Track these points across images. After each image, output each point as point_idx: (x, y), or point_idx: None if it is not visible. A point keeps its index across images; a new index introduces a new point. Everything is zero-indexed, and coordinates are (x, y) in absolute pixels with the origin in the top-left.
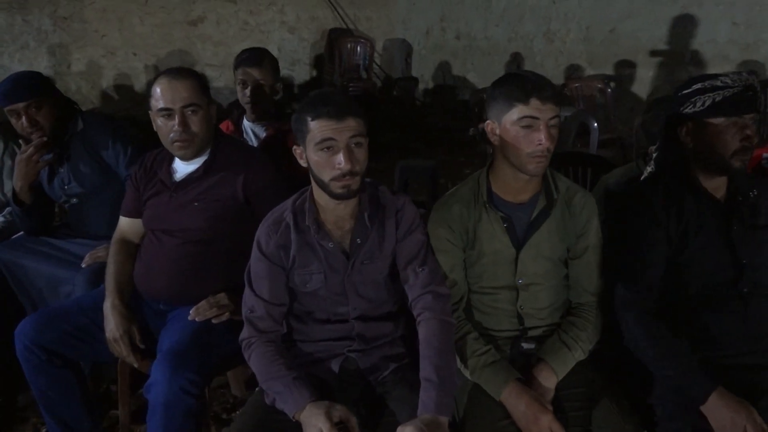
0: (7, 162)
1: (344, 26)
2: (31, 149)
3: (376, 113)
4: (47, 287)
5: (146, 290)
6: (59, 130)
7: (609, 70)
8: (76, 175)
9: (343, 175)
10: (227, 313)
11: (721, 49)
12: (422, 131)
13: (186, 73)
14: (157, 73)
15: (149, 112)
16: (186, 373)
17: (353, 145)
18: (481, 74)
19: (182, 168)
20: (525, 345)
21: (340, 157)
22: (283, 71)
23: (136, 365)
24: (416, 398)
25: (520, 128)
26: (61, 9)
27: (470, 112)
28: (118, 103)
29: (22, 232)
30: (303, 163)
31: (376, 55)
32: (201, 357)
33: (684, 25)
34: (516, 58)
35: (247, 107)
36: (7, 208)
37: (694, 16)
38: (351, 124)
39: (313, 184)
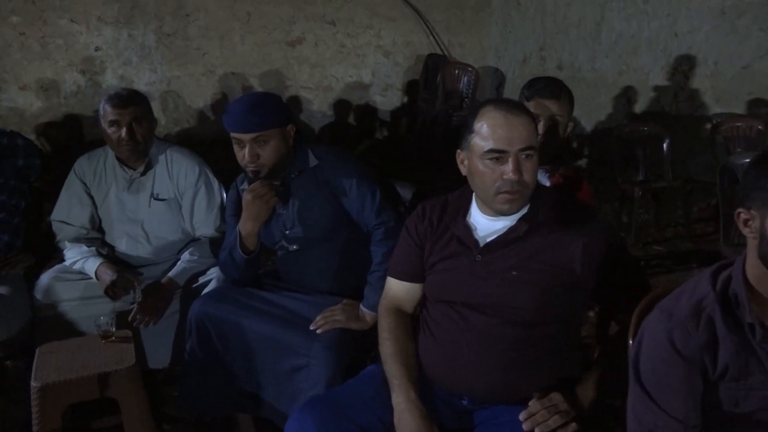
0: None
1: (439, 52)
2: (264, 187)
3: None
4: (270, 355)
5: (444, 381)
6: (284, 164)
7: (740, 109)
8: (302, 219)
9: None
10: (573, 424)
11: None
12: None
13: (522, 108)
14: (483, 101)
15: (459, 151)
16: None
17: None
18: (583, 108)
19: (486, 224)
20: None
21: None
22: (375, 97)
23: None
24: None
25: None
26: (166, 25)
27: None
28: (214, 124)
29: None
30: (749, 233)
31: None
32: None
33: None
34: (627, 93)
35: None
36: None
37: None
38: None
39: (756, 263)
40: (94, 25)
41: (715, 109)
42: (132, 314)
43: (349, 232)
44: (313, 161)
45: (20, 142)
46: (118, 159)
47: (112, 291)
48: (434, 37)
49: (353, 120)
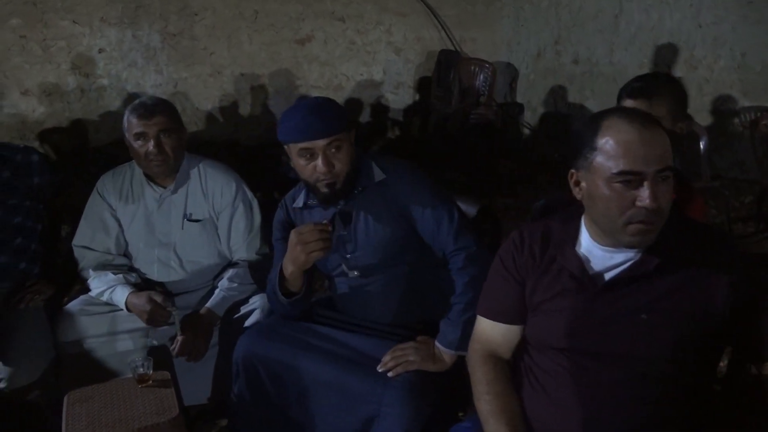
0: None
1: (451, 48)
2: (313, 233)
3: (495, 144)
4: (333, 402)
5: None
6: (353, 176)
7: None
8: (367, 242)
9: None
10: None
11: None
12: (533, 162)
13: (654, 120)
14: (603, 111)
15: (573, 171)
16: None
17: None
18: (601, 102)
19: (602, 256)
20: None
21: None
22: (387, 95)
23: None
24: None
25: None
26: (171, 25)
27: None
28: (222, 127)
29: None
30: None
31: None
32: None
33: None
34: None
35: None
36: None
37: None
38: None
39: None
40: (97, 27)
41: (743, 102)
42: (174, 353)
43: (418, 257)
44: (378, 175)
45: (35, 158)
46: (147, 176)
47: (152, 323)
48: (446, 32)
49: (364, 119)
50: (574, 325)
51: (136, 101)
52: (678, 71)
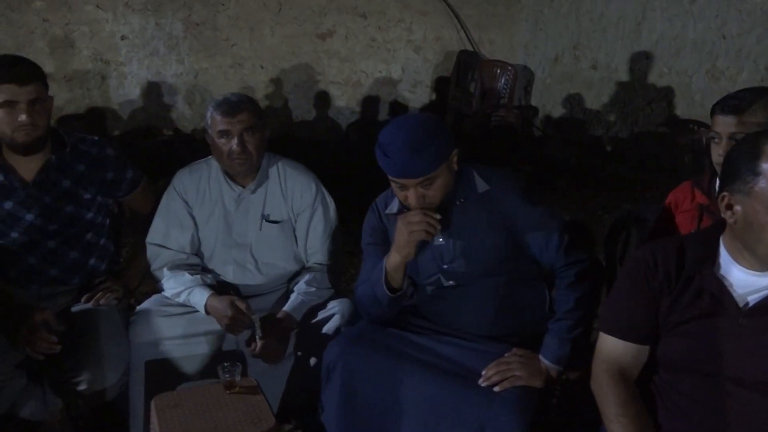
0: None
1: (470, 48)
2: (420, 215)
3: (516, 147)
4: (432, 418)
5: None
6: (449, 192)
7: None
8: (467, 252)
9: None
10: None
11: None
12: (544, 165)
13: None
14: (760, 133)
15: (725, 195)
16: None
17: None
18: (619, 110)
19: (746, 279)
20: None
21: None
22: (404, 93)
23: None
24: None
25: None
26: (195, 14)
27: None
28: None
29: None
30: None
31: None
32: None
33: None
34: (667, 96)
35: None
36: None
37: None
38: None
39: None
40: (121, 12)
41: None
42: (255, 353)
43: (515, 268)
44: (481, 186)
45: (110, 153)
46: (226, 174)
47: (232, 329)
48: (465, 33)
49: (381, 117)
50: (717, 349)
51: (221, 98)
52: (699, 82)
